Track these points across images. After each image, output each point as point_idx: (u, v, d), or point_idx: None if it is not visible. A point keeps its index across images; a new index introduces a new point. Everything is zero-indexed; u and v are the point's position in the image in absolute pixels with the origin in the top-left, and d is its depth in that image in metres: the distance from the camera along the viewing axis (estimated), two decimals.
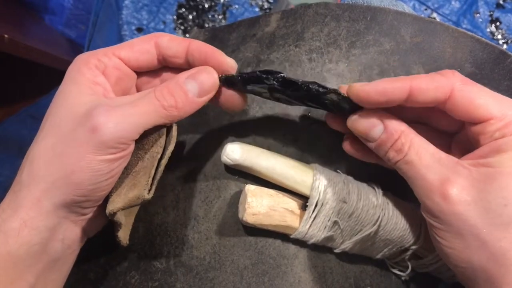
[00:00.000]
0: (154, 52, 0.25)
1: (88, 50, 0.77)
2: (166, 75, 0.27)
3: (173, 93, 0.23)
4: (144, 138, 0.25)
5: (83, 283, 0.30)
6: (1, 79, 0.76)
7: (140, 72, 0.27)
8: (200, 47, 0.25)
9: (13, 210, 0.22)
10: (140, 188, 0.24)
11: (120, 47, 0.25)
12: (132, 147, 0.24)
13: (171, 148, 0.25)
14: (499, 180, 0.20)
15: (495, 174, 0.20)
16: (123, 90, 0.26)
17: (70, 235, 0.24)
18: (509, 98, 0.23)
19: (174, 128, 0.26)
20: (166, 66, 0.27)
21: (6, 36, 0.61)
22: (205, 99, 0.25)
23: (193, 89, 0.24)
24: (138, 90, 0.28)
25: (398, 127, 0.23)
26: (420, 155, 0.23)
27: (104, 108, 0.22)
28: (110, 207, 0.24)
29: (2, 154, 0.60)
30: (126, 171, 0.25)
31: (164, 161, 0.25)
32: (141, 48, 0.25)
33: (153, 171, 0.25)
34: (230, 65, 0.26)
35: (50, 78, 0.78)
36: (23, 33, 0.76)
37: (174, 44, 0.25)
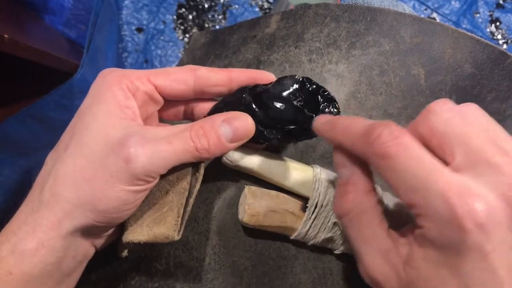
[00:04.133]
0: (192, 83, 0.25)
1: (88, 50, 0.77)
2: (192, 102, 0.28)
3: (207, 136, 0.23)
4: (169, 170, 0.25)
5: (84, 284, 0.31)
6: (1, 79, 0.76)
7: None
8: (244, 74, 0.26)
9: (31, 228, 0.21)
10: (168, 226, 0.24)
11: (156, 73, 0.25)
12: (157, 179, 0.24)
13: (198, 186, 0.25)
14: (416, 285, 0.19)
15: (413, 277, 0.19)
16: (147, 114, 0.26)
17: (82, 251, 0.24)
18: (431, 181, 0.18)
19: (202, 166, 0.26)
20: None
21: (6, 36, 0.61)
22: (236, 145, 0.25)
23: (227, 134, 0.24)
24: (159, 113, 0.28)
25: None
26: (361, 230, 0.21)
27: (138, 139, 0.22)
28: (130, 237, 0.24)
29: (2, 154, 0.60)
30: (147, 200, 0.25)
31: (191, 200, 0.25)
32: (178, 78, 0.25)
33: (181, 211, 0.25)
34: (274, 78, 0.27)
35: (50, 78, 0.78)
36: (23, 33, 0.75)
37: (214, 73, 0.25)
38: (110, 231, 0.26)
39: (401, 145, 0.18)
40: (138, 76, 0.24)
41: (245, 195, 0.28)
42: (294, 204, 0.29)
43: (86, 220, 0.22)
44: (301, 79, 0.26)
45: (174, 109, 0.28)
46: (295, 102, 0.26)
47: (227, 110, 0.26)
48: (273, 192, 0.29)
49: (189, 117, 0.29)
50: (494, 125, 0.19)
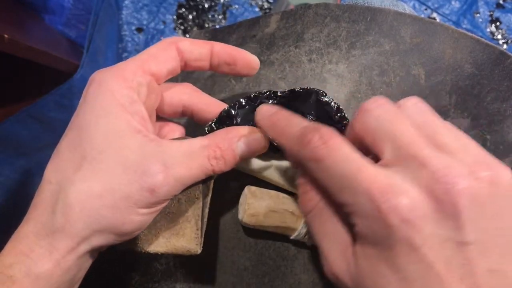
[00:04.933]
0: (178, 58, 0.25)
1: (88, 50, 0.77)
2: (190, 103, 0.27)
3: (225, 157, 0.24)
4: None
5: (84, 284, 0.31)
6: (1, 79, 0.76)
7: None
8: (226, 49, 0.25)
9: (46, 250, 0.21)
10: (188, 239, 0.25)
11: (147, 60, 0.24)
12: None
13: (210, 194, 0.26)
14: (363, 283, 0.19)
15: (360, 274, 0.19)
16: (149, 108, 0.25)
17: (91, 260, 0.24)
18: (357, 179, 0.18)
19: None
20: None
21: (6, 36, 0.61)
22: (244, 159, 0.25)
23: (241, 152, 0.24)
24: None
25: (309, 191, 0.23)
26: (322, 223, 0.22)
27: (159, 168, 0.21)
28: (146, 248, 0.25)
29: (2, 154, 0.60)
30: None
31: (207, 210, 0.26)
32: (167, 57, 0.24)
33: (199, 223, 0.25)
34: (256, 63, 0.26)
35: (50, 78, 0.78)
36: (23, 33, 0.75)
37: (197, 47, 0.25)
38: None
39: (329, 148, 0.19)
40: (132, 71, 0.23)
41: (245, 195, 0.28)
42: (294, 204, 0.29)
43: (107, 241, 0.22)
44: (314, 92, 0.26)
45: (172, 108, 0.27)
46: (308, 117, 0.26)
47: (240, 121, 0.26)
48: (273, 192, 0.29)
49: (188, 116, 0.28)
50: (431, 118, 0.20)
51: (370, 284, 0.19)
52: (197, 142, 0.24)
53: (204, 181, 0.26)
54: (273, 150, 0.26)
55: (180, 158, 0.22)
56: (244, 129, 0.25)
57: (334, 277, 0.21)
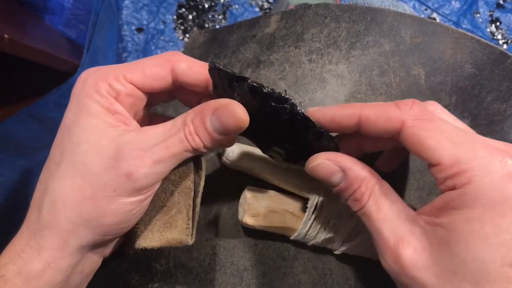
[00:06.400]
0: (170, 79, 0.24)
1: (88, 50, 0.77)
2: (177, 92, 0.26)
3: (198, 133, 0.22)
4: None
5: None
6: (1, 79, 0.76)
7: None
8: None
9: (35, 250, 0.21)
10: (180, 231, 0.25)
11: (132, 70, 0.23)
12: (160, 182, 0.23)
13: (202, 183, 0.25)
14: (451, 247, 0.19)
15: (447, 238, 0.19)
16: (135, 112, 0.25)
17: (90, 265, 0.24)
18: (474, 138, 0.20)
19: (203, 161, 0.26)
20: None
21: (6, 36, 0.61)
22: (229, 137, 0.24)
23: (216, 128, 0.22)
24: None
25: (359, 175, 0.22)
26: (379, 206, 0.22)
27: (135, 152, 0.21)
28: (143, 243, 0.25)
29: (2, 154, 0.60)
30: (152, 203, 0.25)
31: (199, 200, 0.25)
32: (156, 75, 0.24)
33: (190, 213, 0.25)
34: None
35: (50, 78, 0.78)
36: (23, 33, 0.75)
37: (193, 74, 0.24)
38: (116, 241, 0.25)
39: (435, 111, 0.22)
40: (115, 76, 0.23)
41: (245, 195, 0.28)
42: (294, 205, 0.29)
43: (94, 236, 0.22)
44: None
45: (159, 98, 0.27)
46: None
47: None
48: (273, 192, 0.29)
49: (177, 98, 0.28)
50: None
51: (462, 249, 0.19)
52: (176, 120, 0.23)
53: (195, 162, 0.25)
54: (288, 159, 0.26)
55: (159, 139, 0.22)
56: (217, 102, 0.22)
57: (396, 260, 0.21)
